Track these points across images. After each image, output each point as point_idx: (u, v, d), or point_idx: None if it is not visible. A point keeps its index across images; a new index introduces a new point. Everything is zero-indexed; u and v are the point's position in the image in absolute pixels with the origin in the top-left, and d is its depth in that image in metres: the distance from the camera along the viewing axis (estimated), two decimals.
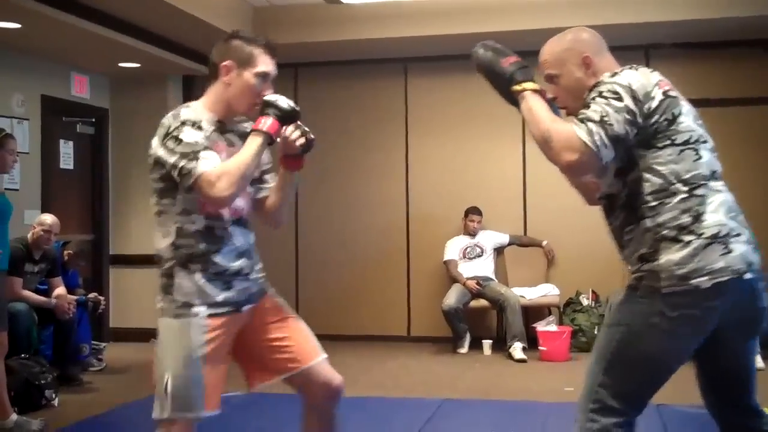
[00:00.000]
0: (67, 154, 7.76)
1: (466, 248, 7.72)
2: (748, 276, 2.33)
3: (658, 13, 6.94)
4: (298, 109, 2.69)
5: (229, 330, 2.69)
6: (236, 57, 2.67)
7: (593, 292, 7.61)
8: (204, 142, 2.57)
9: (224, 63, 2.67)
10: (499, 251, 7.91)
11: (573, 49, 2.54)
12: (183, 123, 2.57)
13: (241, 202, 2.70)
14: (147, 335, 8.16)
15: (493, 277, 7.66)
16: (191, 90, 8.54)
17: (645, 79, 2.39)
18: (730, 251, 2.31)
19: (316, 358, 2.78)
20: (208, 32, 6.94)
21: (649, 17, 6.98)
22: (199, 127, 2.60)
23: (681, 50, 7.43)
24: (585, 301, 7.54)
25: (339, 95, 8.37)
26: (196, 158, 2.51)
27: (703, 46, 7.52)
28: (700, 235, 2.31)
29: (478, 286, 7.43)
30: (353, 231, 8.29)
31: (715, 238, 2.31)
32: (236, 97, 2.68)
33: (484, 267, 7.66)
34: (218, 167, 2.52)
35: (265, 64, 2.70)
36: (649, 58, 7.61)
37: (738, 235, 2.35)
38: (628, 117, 2.32)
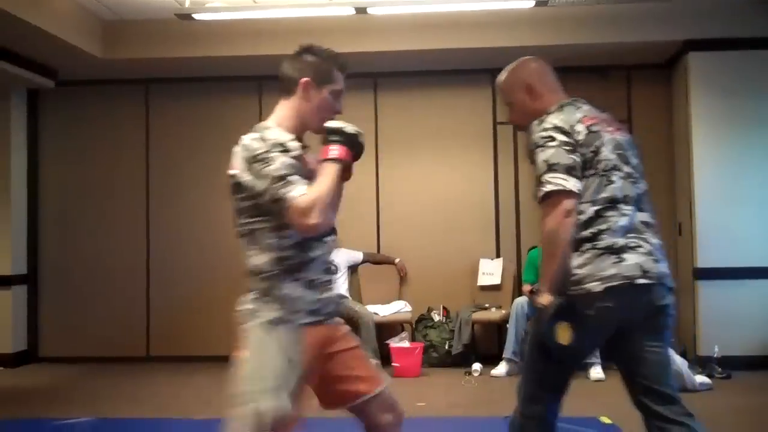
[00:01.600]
0: None
1: None
2: (641, 281, 2.70)
3: (501, 39, 7.21)
4: (362, 132, 2.68)
5: (318, 341, 2.67)
6: (314, 74, 2.66)
7: (444, 308, 7.80)
8: (291, 166, 2.52)
9: (303, 79, 2.66)
10: (353, 269, 7.99)
11: (518, 78, 3.00)
12: (272, 146, 2.52)
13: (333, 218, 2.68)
14: None
15: (348, 294, 7.73)
16: (36, 104, 8.25)
17: (567, 116, 2.79)
18: (622, 260, 2.70)
19: (381, 385, 2.83)
20: (55, 45, 6.73)
21: (490, 42, 7.25)
22: (286, 150, 2.55)
23: None
24: (436, 317, 7.71)
25: (192, 112, 8.24)
26: (286, 184, 2.47)
27: None
28: (594, 246, 2.71)
29: None
30: (205, 248, 8.17)
31: (607, 250, 2.71)
32: (312, 114, 2.67)
33: (339, 285, 7.71)
34: (308, 196, 2.48)
35: (341, 81, 2.72)
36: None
37: (636, 247, 2.74)
38: (567, 148, 2.71)
